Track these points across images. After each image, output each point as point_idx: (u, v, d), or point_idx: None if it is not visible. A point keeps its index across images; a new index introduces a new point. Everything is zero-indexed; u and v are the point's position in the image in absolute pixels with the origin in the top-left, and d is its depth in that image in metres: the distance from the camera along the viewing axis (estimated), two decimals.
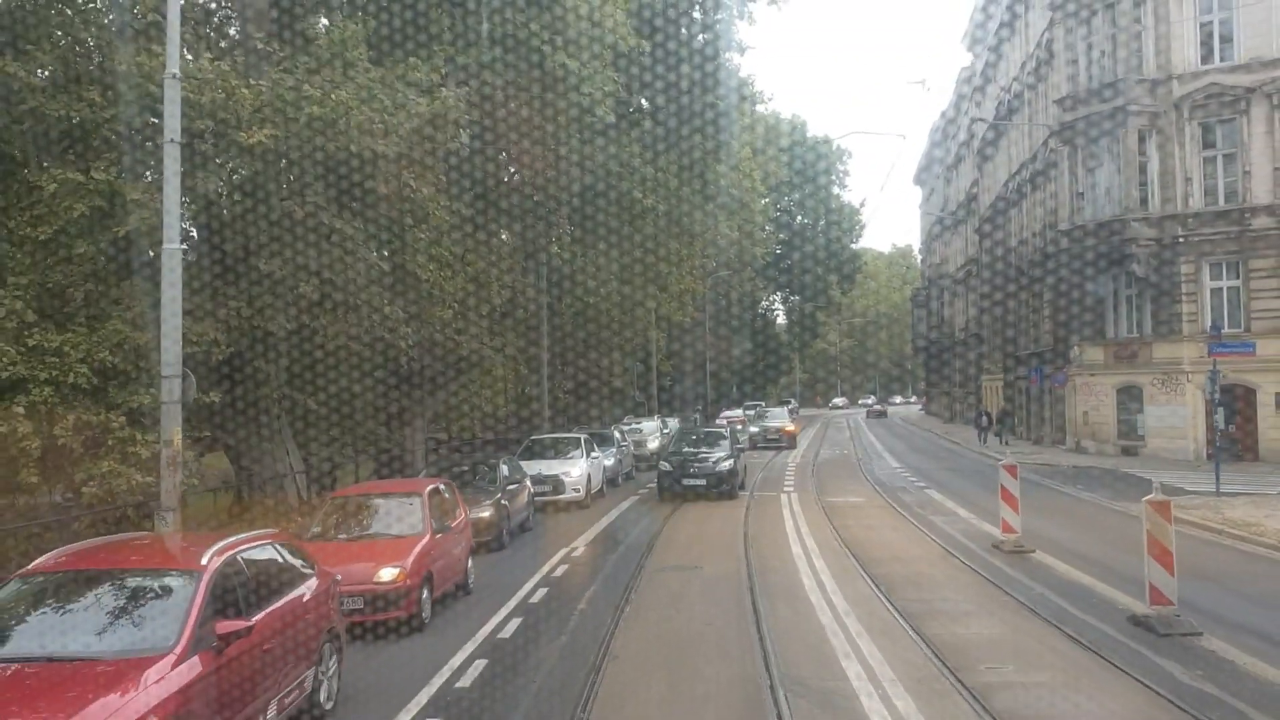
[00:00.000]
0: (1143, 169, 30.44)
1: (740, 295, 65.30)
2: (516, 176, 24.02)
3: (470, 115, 18.95)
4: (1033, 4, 39.17)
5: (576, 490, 20.93)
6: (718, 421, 57.47)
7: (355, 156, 15.74)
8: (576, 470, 21.31)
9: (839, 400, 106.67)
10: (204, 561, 6.27)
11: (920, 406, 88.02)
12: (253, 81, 15.33)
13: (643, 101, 27.37)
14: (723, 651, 9.24)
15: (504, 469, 17.44)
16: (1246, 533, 15.31)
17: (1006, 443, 38.27)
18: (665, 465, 22.29)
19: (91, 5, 17.50)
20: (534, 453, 22.21)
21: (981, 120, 49.06)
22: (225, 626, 5.90)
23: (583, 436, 23.91)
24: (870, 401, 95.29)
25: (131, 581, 6.25)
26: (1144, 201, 30.40)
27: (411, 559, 10.15)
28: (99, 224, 15.20)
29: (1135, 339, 31.36)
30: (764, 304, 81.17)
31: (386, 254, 18.35)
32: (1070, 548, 14.59)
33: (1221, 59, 29.60)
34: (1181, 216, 29.83)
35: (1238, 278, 29.37)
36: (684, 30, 26.97)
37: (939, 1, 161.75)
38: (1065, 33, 33.02)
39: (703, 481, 21.32)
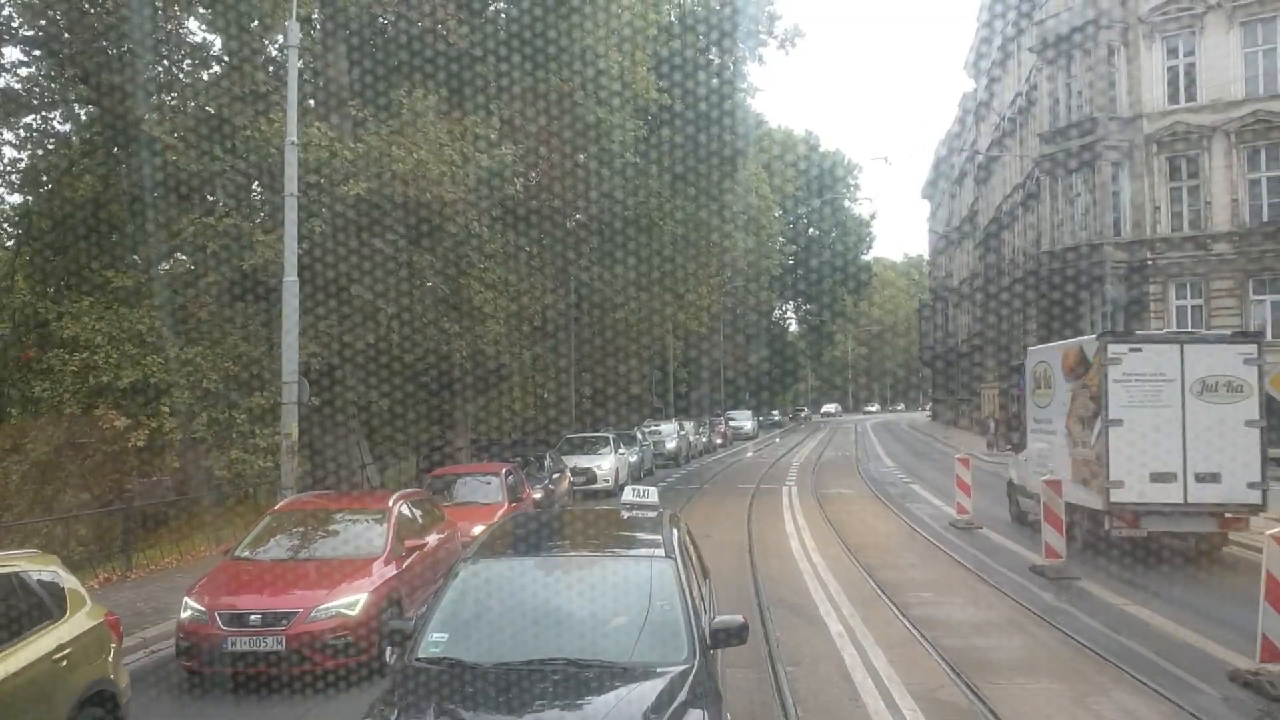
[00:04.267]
0: (1115, 198, 33.66)
1: (755, 304, 67.81)
2: (549, 204, 27.34)
3: (520, 166, 22.37)
4: (1024, 40, 42.40)
5: (607, 480, 24.53)
6: (718, 423, 55.81)
7: (426, 198, 19.14)
8: (607, 464, 24.87)
9: (804, 411, 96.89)
10: (390, 504, 9.71)
11: (929, 413, 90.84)
12: (351, 143, 18.80)
13: (664, 133, 30.51)
14: (725, 586, 12.58)
15: (549, 461, 20.92)
16: None
17: (1001, 448, 41.29)
18: None
19: (211, 73, 21.19)
20: (570, 449, 25.78)
21: (974, 152, 52.31)
22: (411, 542, 9.35)
23: (611, 436, 27.47)
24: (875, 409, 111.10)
25: (346, 516, 9.73)
26: (1117, 228, 33.58)
27: (495, 521, 13.56)
28: (225, 258, 18.69)
29: None
30: (778, 312, 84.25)
31: (448, 280, 21.77)
32: (1013, 525, 17.86)
33: (1186, 100, 32.69)
34: (1150, 241, 32.95)
35: (1200, 297, 32.47)
36: (701, 73, 30.26)
37: (943, 31, 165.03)
38: (1048, 71, 36.26)
39: None
